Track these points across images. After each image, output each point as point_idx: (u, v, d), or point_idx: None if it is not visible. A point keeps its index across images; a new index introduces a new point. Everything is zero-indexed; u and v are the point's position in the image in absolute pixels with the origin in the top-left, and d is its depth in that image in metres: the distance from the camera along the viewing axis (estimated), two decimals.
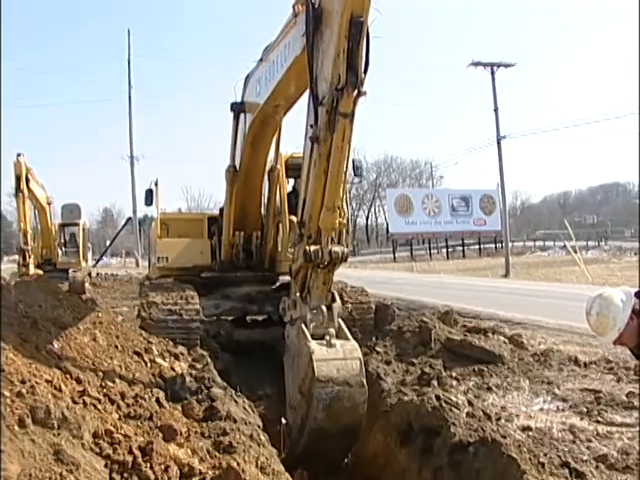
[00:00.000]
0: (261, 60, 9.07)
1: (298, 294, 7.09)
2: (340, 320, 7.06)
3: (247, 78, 9.86)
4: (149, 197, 13.56)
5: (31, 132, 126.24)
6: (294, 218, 11.81)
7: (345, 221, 7.09)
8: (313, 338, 6.65)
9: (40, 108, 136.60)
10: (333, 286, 7.26)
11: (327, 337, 6.66)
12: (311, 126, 6.65)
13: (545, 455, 5.98)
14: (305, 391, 6.57)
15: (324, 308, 6.86)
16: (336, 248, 6.81)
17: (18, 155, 22.01)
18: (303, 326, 6.75)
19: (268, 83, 8.65)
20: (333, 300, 7.06)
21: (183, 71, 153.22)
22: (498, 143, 42.65)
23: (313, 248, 6.75)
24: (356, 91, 6.16)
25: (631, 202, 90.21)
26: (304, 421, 6.66)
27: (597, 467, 5.86)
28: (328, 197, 6.65)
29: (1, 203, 60.12)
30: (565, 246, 47.04)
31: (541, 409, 7.99)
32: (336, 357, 6.53)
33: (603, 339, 5.25)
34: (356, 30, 5.97)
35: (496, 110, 42.81)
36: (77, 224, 31.17)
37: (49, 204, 28.60)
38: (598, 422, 7.29)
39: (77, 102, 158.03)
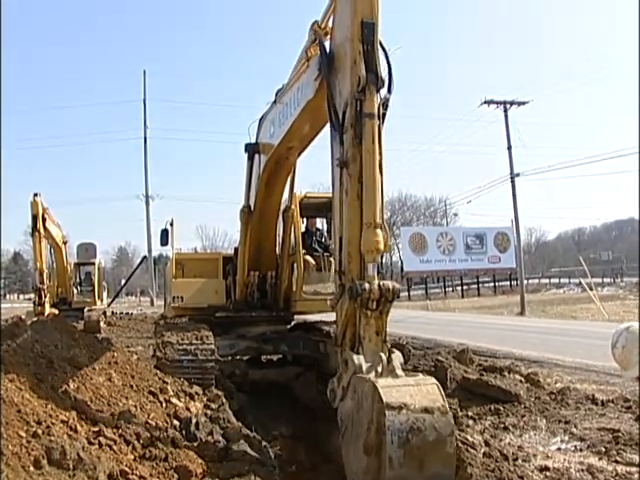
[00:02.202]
0: (274, 102, 9.18)
1: (348, 349, 6.02)
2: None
3: (261, 119, 9.95)
4: (164, 237, 13.62)
5: (47, 171, 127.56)
6: (309, 258, 11.86)
7: (391, 243, 6.45)
8: None
9: (57, 147, 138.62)
10: None
11: (391, 375, 5.62)
12: (337, 159, 6.31)
13: None
14: (372, 441, 5.16)
15: (382, 356, 5.72)
16: (386, 282, 5.92)
17: (35, 195, 22.17)
18: (360, 375, 5.62)
19: (282, 125, 8.71)
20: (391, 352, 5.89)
21: (197, 110, 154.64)
22: (512, 181, 42.70)
23: (359, 282, 5.83)
24: (378, 95, 6.08)
25: None
26: None
27: None
28: (367, 213, 5.96)
29: (1, 241, 60.64)
30: (580, 283, 46.86)
31: (559, 449, 7.90)
32: (406, 384, 5.42)
33: (626, 373, 5.23)
34: (368, 31, 5.99)
35: (509, 148, 42.95)
36: (93, 263, 31.29)
37: (65, 243, 28.73)
38: (617, 462, 7.18)
39: (94, 141, 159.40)
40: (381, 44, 6.20)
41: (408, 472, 4.99)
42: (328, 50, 6.73)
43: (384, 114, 6.20)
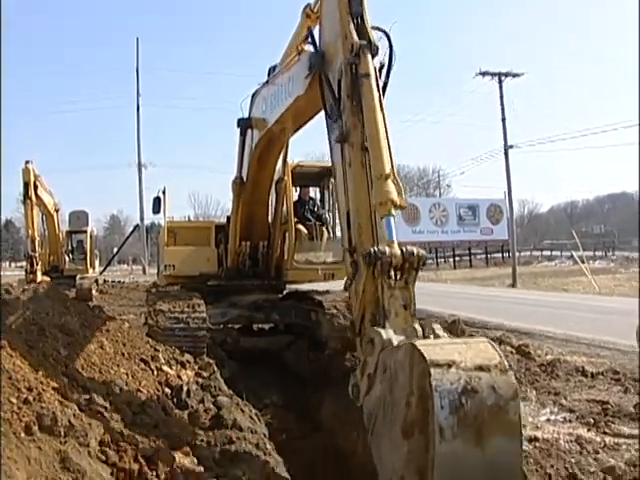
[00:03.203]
0: (267, 82, 9.11)
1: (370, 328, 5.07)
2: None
3: (254, 95, 9.82)
4: (157, 205, 13.55)
5: (39, 139, 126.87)
6: (301, 227, 11.85)
7: (405, 202, 5.42)
8: None
9: (48, 115, 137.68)
10: None
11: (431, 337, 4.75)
12: (336, 141, 5.99)
13: (552, 467, 5.97)
14: (414, 416, 4.05)
15: (417, 327, 4.85)
16: (409, 246, 5.05)
17: (26, 162, 22.08)
18: (390, 348, 4.60)
19: (274, 109, 8.61)
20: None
21: (191, 79, 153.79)
22: (505, 153, 42.63)
23: (376, 247, 5.02)
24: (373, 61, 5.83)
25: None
26: (424, 471, 3.92)
27: (604, 479, 5.84)
28: (375, 166, 5.36)
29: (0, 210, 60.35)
30: (572, 256, 46.96)
31: (548, 420, 7.95)
32: (452, 342, 4.56)
33: None
34: (356, 4, 5.91)
35: (503, 120, 42.80)
36: (85, 231, 31.20)
37: (57, 211, 28.64)
38: (605, 433, 7.25)
39: (86, 109, 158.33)
40: (376, 27, 6.10)
41: (463, 446, 3.88)
42: (319, 47, 6.57)
43: (385, 84, 6.02)
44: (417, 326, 4.82)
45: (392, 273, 4.96)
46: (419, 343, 4.21)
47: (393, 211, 5.24)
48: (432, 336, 4.71)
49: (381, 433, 4.53)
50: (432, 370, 3.92)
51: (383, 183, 5.25)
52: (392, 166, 5.39)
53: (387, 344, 4.60)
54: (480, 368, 4.04)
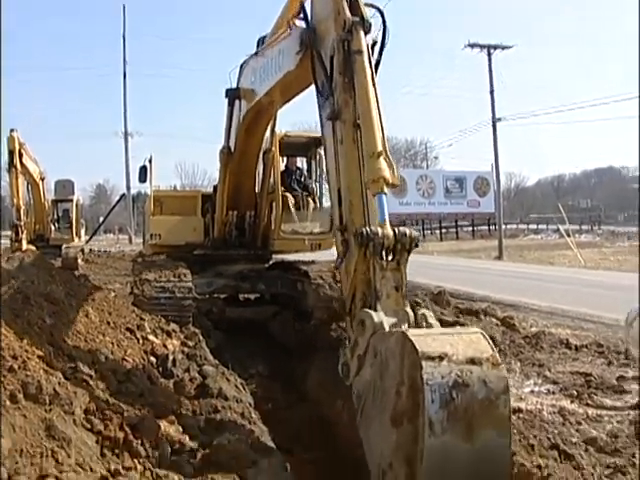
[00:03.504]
0: (256, 54, 9.03)
1: (360, 310, 5.04)
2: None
3: (242, 65, 9.74)
4: (143, 174, 13.45)
5: (25, 106, 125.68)
6: (288, 194, 11.84)
7: (397, 179, 5.34)
8: None
9: (35, 82, 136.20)
10: None
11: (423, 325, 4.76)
12: (328, 118, 5.95)
13: (535, 437, 6.01)
14: (404, 406, 4.07)
15: (408, 310, 4.86)
16: (401, 227, 5.09)
17: (11, 130, 21.87)
18: (382, 332, 4.60)
19: (263, 81, 8.51)
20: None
21: (178, 47, 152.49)
22: (493, 125, 42.53)
23: (368, 227, 5.04)
24: (365, 36, 5.80)
25: (625, 187, 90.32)
26: (412, 461, 3.95)
27: (586, 450, 5.88)
28: (367, 144, 5.36)
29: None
30: (558, 229, 47.14)
31: (532, 391, 8.01)
32: (444, 332, 4.50)
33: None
34: None
35: (492, 92, 42.67)
36: (70, 200, 31.01)
37: (42, 179, 28.42)
38: (588, 405, 7.32)
39: (72, 76, 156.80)
40: (369, 4, 6.04)
41: (452, 440, 3.89)
42: (310, 22, 6.48)
43: (378, 61, 6.01)
44: (409, 309, 4.83)
45: (384, 254, 4.96)
46: (411, 333, 4.21)
47: (385, 189, 5.21)
48: (424, 323, 4.70)
49: (370, 417, 4.52)
50: (424, 363, 3.93)
51: (375, 161, 5.25)
52: (384, 143, 5.39)
53: (378, 327, 4.60)
54: (472, 361, 4.04)
